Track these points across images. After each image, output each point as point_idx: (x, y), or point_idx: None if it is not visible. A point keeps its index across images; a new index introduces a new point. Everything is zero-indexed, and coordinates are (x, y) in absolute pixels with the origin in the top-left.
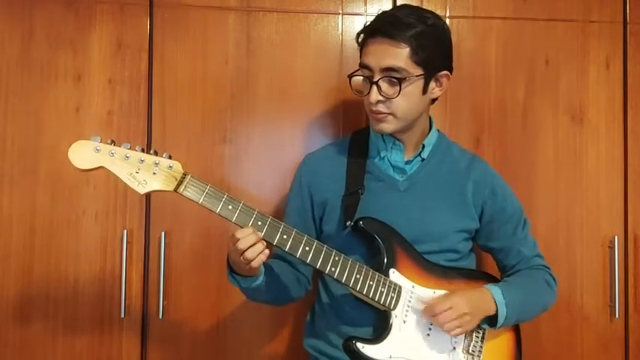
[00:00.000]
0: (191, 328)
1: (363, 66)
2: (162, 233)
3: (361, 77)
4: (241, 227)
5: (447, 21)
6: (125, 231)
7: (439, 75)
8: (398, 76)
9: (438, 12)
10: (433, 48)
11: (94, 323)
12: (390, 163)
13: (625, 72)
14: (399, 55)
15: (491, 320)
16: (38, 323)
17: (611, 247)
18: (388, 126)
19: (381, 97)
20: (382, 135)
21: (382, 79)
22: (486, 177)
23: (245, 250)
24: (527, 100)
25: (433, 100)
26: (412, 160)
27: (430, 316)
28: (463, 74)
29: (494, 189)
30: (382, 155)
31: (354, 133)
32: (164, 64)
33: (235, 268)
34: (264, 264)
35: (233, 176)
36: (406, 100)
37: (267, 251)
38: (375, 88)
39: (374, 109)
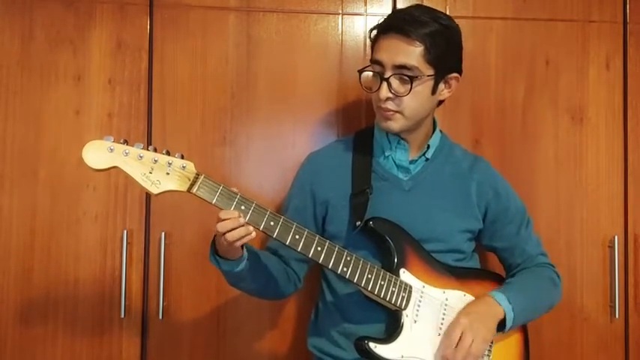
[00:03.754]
0: (191, 328)
1: (374, 62)
2: (163, 234)
3: (371, 73)
4: (253, 226)
5: None
6: (125, 232)
7: (449, 77)
8: (410, 74)
9: None
10: (445, 48)
11: (94, 324)
12: (395, 163)
13: (625, 72)
14: (412, 52)
15: (499, 325)
16: (38, 324)
17: (611, 247)
18: (395, 124)
19: (390, 95)
20: (387, 134)
21: (393, 76)
22: (489, 177)
23: (225, 233)
24: (527, 100)
25: (440, 102)
26: (416, 160)
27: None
28: (463, 74)
29: (498, 189)
30: (387, 154)
31: (358, 132)
32: (164, 64)
33: (219, 249)
34: (252, 252)
35: (233, 176)
36: (415, 100)
37: (253, 234)
38: (385, 84)
39: (382, 106)
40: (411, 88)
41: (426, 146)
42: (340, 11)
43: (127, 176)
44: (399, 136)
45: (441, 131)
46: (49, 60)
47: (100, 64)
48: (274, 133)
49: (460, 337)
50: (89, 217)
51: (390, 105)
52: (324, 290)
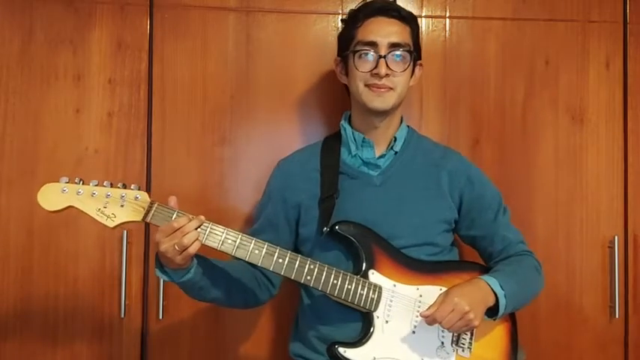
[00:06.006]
0: (191, 328)
1: (365, 43)
2: None
3: (358, 55)
4: (211, 246)
5: (447, 21)
6: (125, 231)
7: (419, 62)
8: (407, 49)
9: (438, 12)
10: (418, 36)
11: (94, 323)
12: (362, 160)
13: (625, 72)
14: (405, 32)
15: (490, 311)
16: (38, 323)
17: (611, 248)
18: (388, 101)
19: (389, 71)
20: (353, 133)
21: (390, 53)
22: (460, 166)
23: (185, 235)
24: (526, 101)
25: None
26: (385, 155)
27: (433, 323)
28: (462, 75)
29: (470, 177)
30: (353, 153)
31: (327, 136)
32: (164, 65)
33: (165, 262)
34: (203, 259)
35: (232, 176)
36: (405, 78)
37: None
38: (383, 61)
39: (379, 82)
40: (408, 63)
41: (393, 139)
42: (340, 11)
43: (83, 214)
44: (364, 135)
45: (408, 126)
46: (49, 60)
47: (100, 64)
48: (273, 133)
49: (448, 314)
50: (89, 217)
51: (385, 81)
52: (302, 294)
